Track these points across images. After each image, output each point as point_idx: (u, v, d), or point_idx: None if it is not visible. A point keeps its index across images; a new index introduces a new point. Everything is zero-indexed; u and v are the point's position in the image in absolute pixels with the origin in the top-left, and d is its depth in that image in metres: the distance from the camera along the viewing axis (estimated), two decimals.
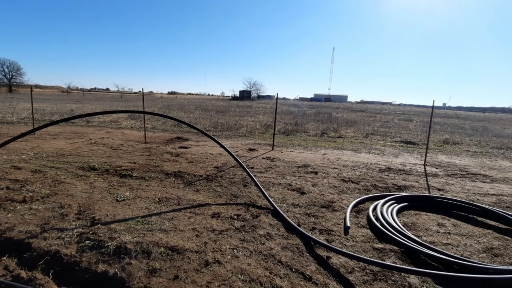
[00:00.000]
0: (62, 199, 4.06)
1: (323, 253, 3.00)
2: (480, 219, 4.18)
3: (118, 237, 3.03)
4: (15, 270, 2.52)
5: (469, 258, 3.02)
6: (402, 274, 2.68)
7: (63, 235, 3.05)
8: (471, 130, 19.27)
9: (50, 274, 2.53)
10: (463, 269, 2.73)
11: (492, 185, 6.04)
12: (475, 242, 3.47)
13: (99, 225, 3.32)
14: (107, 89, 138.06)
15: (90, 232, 3.12)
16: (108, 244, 2.88)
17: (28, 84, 60.77)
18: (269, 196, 4.49)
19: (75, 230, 3.17)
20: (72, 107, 23.26)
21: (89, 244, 2.89)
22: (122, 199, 4.20)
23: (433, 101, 8.14)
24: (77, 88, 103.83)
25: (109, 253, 2.76)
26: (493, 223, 4.04)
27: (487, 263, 2.96)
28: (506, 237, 3.64)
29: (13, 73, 63.87)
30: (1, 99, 20.18)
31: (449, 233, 3.66)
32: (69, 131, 11.08)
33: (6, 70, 62.69)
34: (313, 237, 3.25)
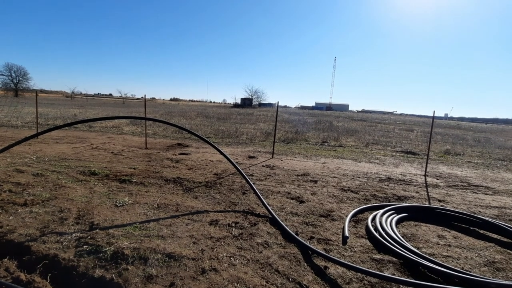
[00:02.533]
0: (62, 203, 4.08)
1: (320, 263, 2.97)
2: (481, 231, 4.13)
3: (116, 242, 3.04)
4: (15, 272, 2.54)
5: (470, 272, 2.98)
6: (401, 286, 2.65)
7: (61, 239, 3.06)
8: (473, 141, 19.20)
9: (48, 277, 2.53)
10: (463, 283, 2.69)
11: (495, 197, 5.99)
12: (476, 255, 3.42)
13: (97, 230, 3.32)
14: (110, 94, 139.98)
15: (88, 237, 3.13)
16: (106, 249, 2.88)
17: (34, 89, 61.62)
18: (268, 204, 4.49)
19: (73, 235, 3.18)
20: (76, 112, 23.55)
21: (87, 249, 2.89)
22: (121, 204, 4.22)
23: (434, 111, 8.24)
24: (81, 93, 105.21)
25: (106, 258, 2.76)
26: (495, 236, 3.99)
27: (489, 277, 2.92)
28: (508, 251, 3.59)
29: (20, 78, 65.02)
30: (7, 103, 20.50)
31: (449, 245, 3.62)
32: (71, 136, 11.19)
33: (13, 75, 63.86)
34: (311, 246, 3.23)
